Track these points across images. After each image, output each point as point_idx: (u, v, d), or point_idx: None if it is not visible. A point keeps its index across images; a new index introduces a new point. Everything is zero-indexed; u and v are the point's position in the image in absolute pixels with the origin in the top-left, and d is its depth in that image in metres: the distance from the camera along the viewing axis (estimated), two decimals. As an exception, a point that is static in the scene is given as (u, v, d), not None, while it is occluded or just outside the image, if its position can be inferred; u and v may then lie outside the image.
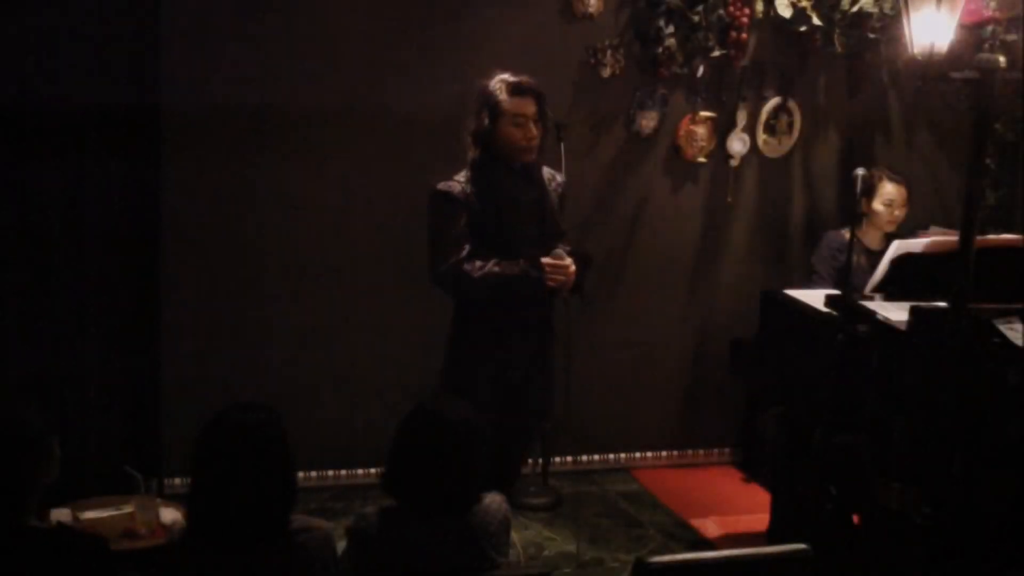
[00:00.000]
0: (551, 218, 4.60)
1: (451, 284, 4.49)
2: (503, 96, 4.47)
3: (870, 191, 5.46)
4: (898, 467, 4.04)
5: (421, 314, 5.09)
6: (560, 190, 4.71)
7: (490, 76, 4.52)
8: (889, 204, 5.48)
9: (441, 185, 4.49)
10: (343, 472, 5.73)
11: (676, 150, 5.92)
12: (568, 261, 4.49)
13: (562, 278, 4.47)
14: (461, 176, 4.52)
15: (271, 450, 3.05)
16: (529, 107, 4.47)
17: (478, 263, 4.43)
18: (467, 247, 4.44)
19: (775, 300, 4.83)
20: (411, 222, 5.13)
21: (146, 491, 4.24)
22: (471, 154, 4.53)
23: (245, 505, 2.98)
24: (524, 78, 4.53)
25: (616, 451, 6.16)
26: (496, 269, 4.42)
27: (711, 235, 6.10)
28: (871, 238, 5.51)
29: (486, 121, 4.47)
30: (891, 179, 5.50)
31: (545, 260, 4.45)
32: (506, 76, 4.52)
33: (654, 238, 6.01)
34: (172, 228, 5.29)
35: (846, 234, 4.63)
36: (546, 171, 4.68)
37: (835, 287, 4.82)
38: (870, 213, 5.51)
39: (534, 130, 4.48)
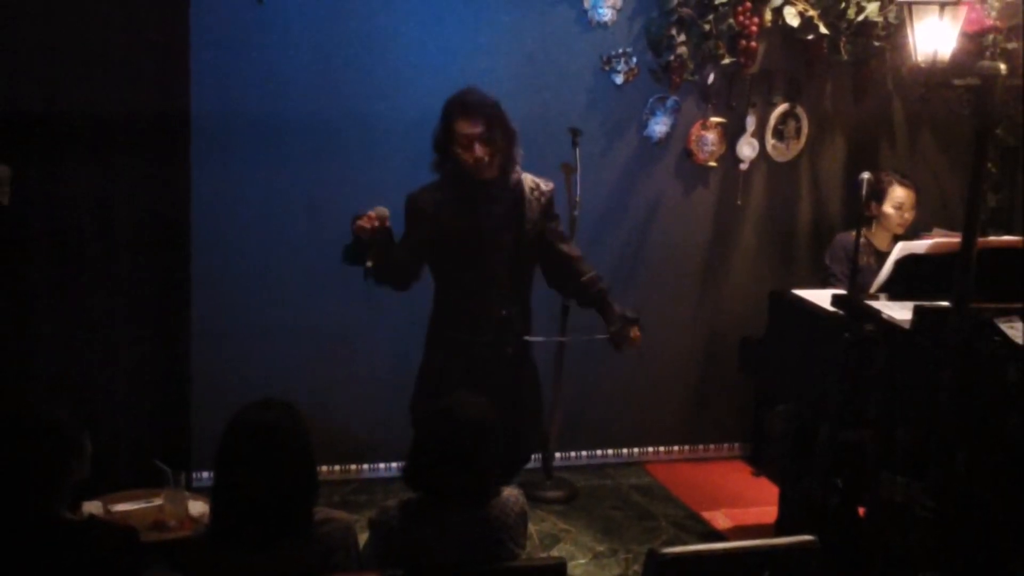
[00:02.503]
0: (530, 226, 4.48)
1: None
2: (454, 116, 4.34)
3: (880, 195, 5.49)
4: (902, 462, 4.11)
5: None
6: (544, 199, 4.54)
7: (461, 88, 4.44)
8: (899, 207, 5.50)
9: (411, 193, 4.46)
10: (365, 466, 5.79)
11: (687, 154, 5.96)
12: (372, 216, 4.24)
13: (364, 225, 4.23)
14: (433, 185, 4.46)
15: (290, 446, 3.06)
16: (474, 128, 4.29)
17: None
18: (414, 255, 4.42)
19: (783, 300, 4.86)
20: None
21: (175, 484, 4.18)
22: (435, 161, 4.44)
23: (267, 500, 3.01)
24: (474, 96, 4.36)
25: (629, 446, 6.21)
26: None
27: (721, 237, 6.14)
28: (881, 240, 5.54)
29: (442, 136, 4.39)
30: (901, 183, 5.52)
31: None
32: (465, 93, 4.38)
33: (666, 240, 6.05)
34: (200, 229, 5.31)
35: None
36: (529, 179, 4.53)
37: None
38: (880, 216, 5.53)
39: (479, 151, 4.30)
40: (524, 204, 4.49)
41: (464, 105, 4.33)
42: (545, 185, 4.59)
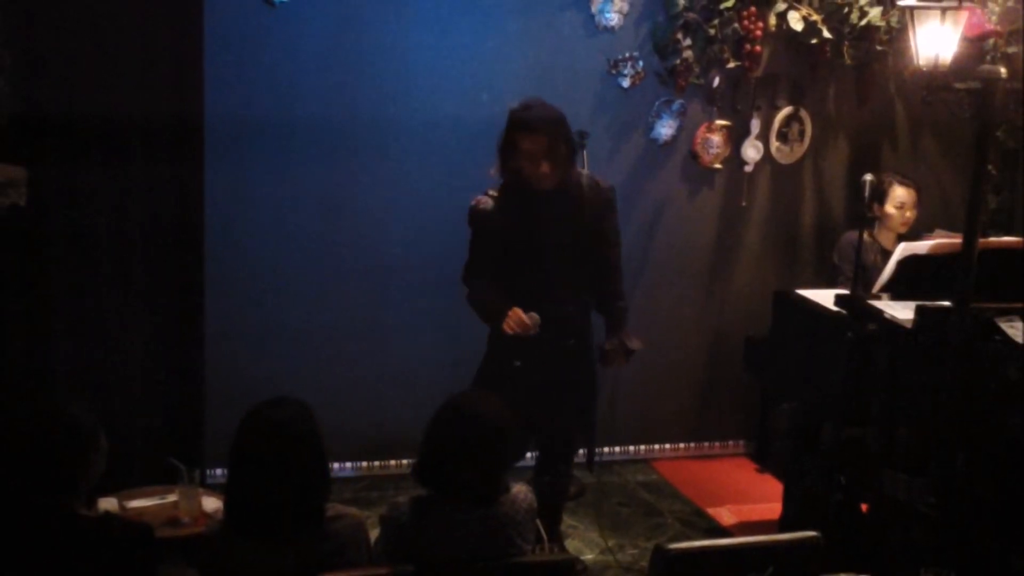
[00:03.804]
0: (586, 227, 4.54)
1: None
2: (517, 131, 4.39)
3: (882, 195, 5.53)
4: (904, 459, 4.14)
5: (451, 314, 5.15)
6: (603, 196, 4.60)
7: (524, 98, 4.49)
8: (900, 206, 5.55)
9: (473, 200, 4.55)
10: (377, 463, 5.82)
11: (693, 157, 5.99)
12: (529, 324, 4.43)
13: (515, 329, 4.43)
14: (494, 190, 4.53)
15: (303, 443, 3.10)
16: (537, 143, 4.35)
17: (478, 283, 4.55)
18: (481, 261, 4.53)
19: (787, 299, 4.90)
20: (442, 227, 5.21)
21: (189, 481, 4.20)
22: (495, 168, 4.49)
23: (279, 497, 3.04)
24: (537, 111, 4.40)
25: (636, 443, 6.24)
26: (481, 295, 4.53)
27: (726, 238, 6.17)
28: (886, 239, 5.57)
29: (505, 147, 4.44)
30: (901, 183, 5.57)
31: (514, 312, 4.42)
32: (526, 106, 4.43)
33: (672, 241, 6.08)
34: (214, 230, 5.33)
35: (864, 235, 4.72)
36: (588, 178, 4.59)
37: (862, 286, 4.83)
38: (883, 216, 5.57)
39: (545, 166, 4.37)
40: (583, 205, 4.54)
41: (526, 122, 4.38)
42: (604, 183, 4.66)
